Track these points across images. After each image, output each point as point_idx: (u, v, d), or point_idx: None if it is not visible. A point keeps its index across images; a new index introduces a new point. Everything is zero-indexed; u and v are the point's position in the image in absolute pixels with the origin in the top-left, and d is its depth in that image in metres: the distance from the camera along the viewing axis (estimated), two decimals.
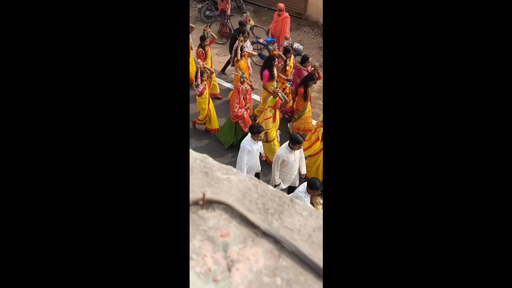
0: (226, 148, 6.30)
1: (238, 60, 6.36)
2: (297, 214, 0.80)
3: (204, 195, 0.78)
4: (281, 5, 7.96)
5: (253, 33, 8.37)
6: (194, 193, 0.83)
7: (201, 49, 6.72)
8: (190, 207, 0.79)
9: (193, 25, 7.42)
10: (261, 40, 8.01)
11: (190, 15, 7.84)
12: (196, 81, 5.87)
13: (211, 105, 6.33)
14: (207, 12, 9.61)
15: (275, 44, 7.42)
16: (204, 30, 6.88)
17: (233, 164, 5.69)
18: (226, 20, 8.76)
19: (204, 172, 0.88)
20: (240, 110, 5.90)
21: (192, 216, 0.77)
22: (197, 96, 6.09)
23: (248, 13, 8.57)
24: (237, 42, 6.59)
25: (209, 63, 6.88)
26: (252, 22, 8.24)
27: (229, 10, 8.88)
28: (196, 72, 5.88)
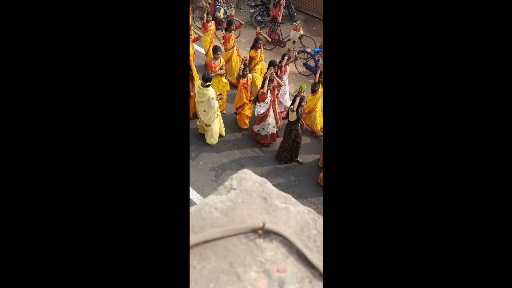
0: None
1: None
2: None
3: (264, 225, 0.77)
4: None
5: (301, 42, 8.34)
6: (253, 219, 0.82)
7: None
8: (248, 235, 0.78)
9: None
10: (308, 50, 7.95)
11: (241, 19, 7.90)
12: None
13: None
14: (259, 18, 9.70)
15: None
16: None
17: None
18: (276, 27, 8.79)
19: (263, 198, 0.87)
20: None
21: (250, 245, 0.76)
22: None
23: (298, 22, 8.55)
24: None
25: None
26: (301, 31, 8.21)
27: (280, 18, 8.90)
28: None
